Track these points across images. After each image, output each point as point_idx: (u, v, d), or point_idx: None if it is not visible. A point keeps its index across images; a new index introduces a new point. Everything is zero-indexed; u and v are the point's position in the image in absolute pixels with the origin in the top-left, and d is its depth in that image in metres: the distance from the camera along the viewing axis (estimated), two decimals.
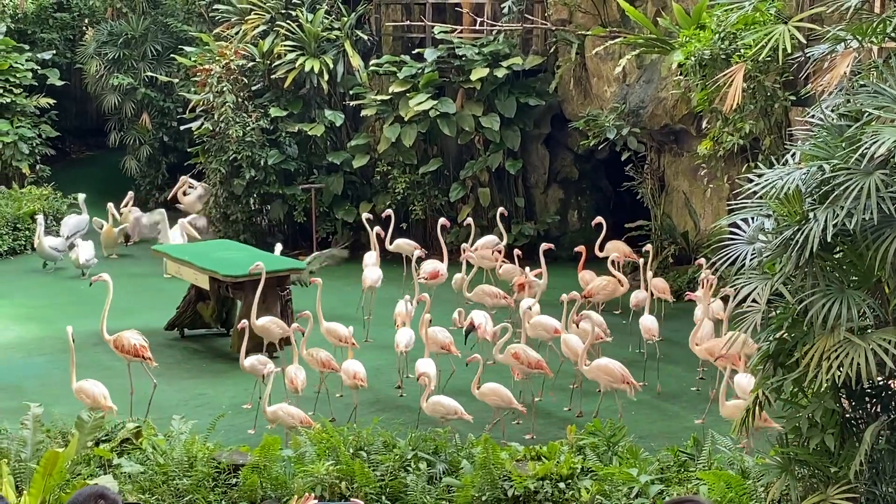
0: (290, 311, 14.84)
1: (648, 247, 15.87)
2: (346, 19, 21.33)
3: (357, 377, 12.34)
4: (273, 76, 21.12)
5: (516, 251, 16.84)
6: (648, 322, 13.95)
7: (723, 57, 14.95)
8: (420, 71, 20.26)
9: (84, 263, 18.79)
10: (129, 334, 13.06)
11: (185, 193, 22.12)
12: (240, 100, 20.77)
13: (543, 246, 15.84)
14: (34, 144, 24.22)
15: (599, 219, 17.15)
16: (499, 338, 12.91)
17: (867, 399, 7.20)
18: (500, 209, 18.56)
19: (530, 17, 20.35)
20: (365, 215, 18.84)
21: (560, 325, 13.56)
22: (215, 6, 22.76)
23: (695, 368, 13.75)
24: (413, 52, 21.02)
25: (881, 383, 7.10)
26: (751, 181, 7.26)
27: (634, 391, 12.23)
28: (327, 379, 12.84)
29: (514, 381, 12.82)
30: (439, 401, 11.67)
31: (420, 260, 16.39)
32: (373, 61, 21.04)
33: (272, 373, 11.84)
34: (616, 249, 16.72)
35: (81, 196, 21.23)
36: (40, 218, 19.81)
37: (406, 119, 20.04)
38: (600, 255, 16.66)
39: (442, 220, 17.75)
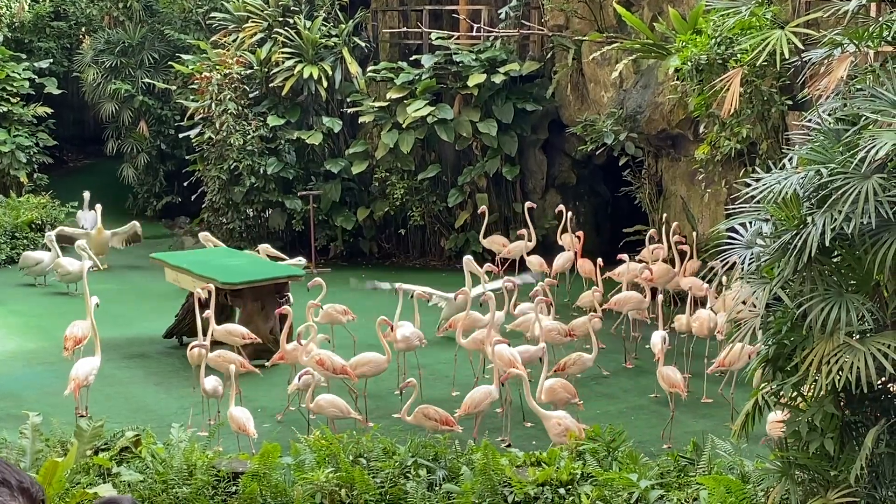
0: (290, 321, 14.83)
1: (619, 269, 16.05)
2: (343, 26, 21.34)
3: (241, 427, 11.43)
4: (271, 84, 21.12)
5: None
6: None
7: (719, 62, 14.95)
8: (417, 77, 20.27)
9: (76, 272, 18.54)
10: (72, 325, 13.72)
11: None
12: (240, 108, 20.78)
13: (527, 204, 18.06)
14: (32, 153, 24.23)
15: (560, 207, 18.25)
16: (303, 338, 12.92)
17: (867, 403, 7.19)
18: (675, 227, 16.99)
19: (527, 23, 20.36)
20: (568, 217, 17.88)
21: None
22: (212, 14, 22.78)
23: (694, 372, 13.73)
24: (410, 58, 21.03)
25: (881, 387, 7.10)
26: (748, 185, 7.26)
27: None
28: (335, 383, 12.84)
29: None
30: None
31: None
32: (370, 68, 21.06)
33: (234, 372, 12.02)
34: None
35: (87, 194, 21.18)
36: (51, 234, 19.53)
37: (404, 125, 20.05)
38: (561, 242, 17.82)
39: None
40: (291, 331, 13.52)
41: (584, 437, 10.57)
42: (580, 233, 17.86)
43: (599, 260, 16.08)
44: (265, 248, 18.31)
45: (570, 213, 18.13)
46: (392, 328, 13.32)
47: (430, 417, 11.40)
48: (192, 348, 12.68)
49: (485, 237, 18.92)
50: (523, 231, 17.77)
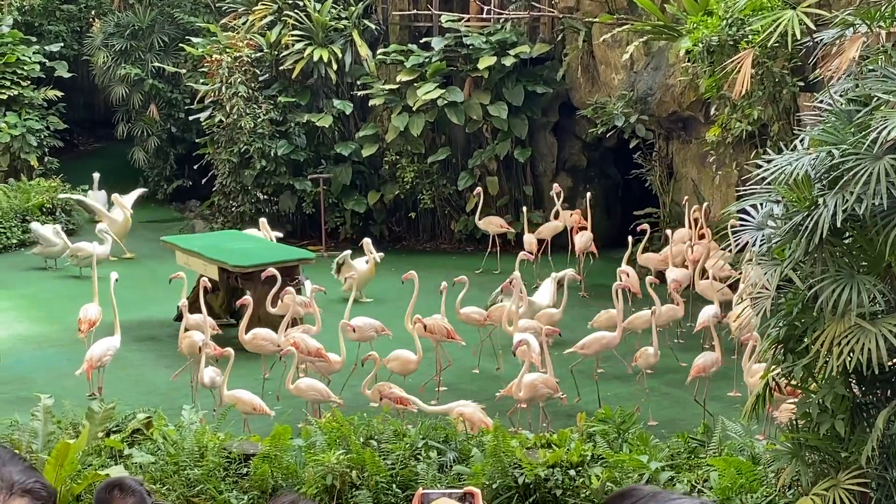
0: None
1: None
2: (353, 9, 21.32)
3: (256, 407, 11.65)
4: (281, 67, 21.12)
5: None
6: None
7: (731, 43, 14.90)
8: (427, 60, 20.25)
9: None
10: (85, 308, 13.93)
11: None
12: (250, 91, 20.79)
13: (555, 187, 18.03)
14: (42, 137, 24.25)
15: (558, 188, 18.59)
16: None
17: (878, 384, 7.18)
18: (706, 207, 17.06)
19: (537, 4, 20.32)
20: None
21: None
22: None
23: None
24: (420, 41, 21.01)
25: (892, 368, 7.09)
26: (760, 167, 7.25)
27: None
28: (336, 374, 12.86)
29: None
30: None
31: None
32: (380, 50, 21.03)
33: (230, 356, 12.06)
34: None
35: (97, 175, 21.22)
36: (59, 228, 19.66)
37: (414, 108, 20.04)
38: (559, 222, 18.32)
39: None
40: (250, 321, 13.48)
41: (489, 425, 10.55)
42: (577, 210, 18.20)
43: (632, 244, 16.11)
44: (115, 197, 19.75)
45: (588, 195, 18.40)
46: (425, 326, 13.31)
47: (383, 394, 11.58)
48: (200, 349, 12.53)
49: (480, 219, 19.02)
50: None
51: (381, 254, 17.59)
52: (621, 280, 14.20)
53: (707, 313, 13.35)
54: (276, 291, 14.04)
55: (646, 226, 16.77)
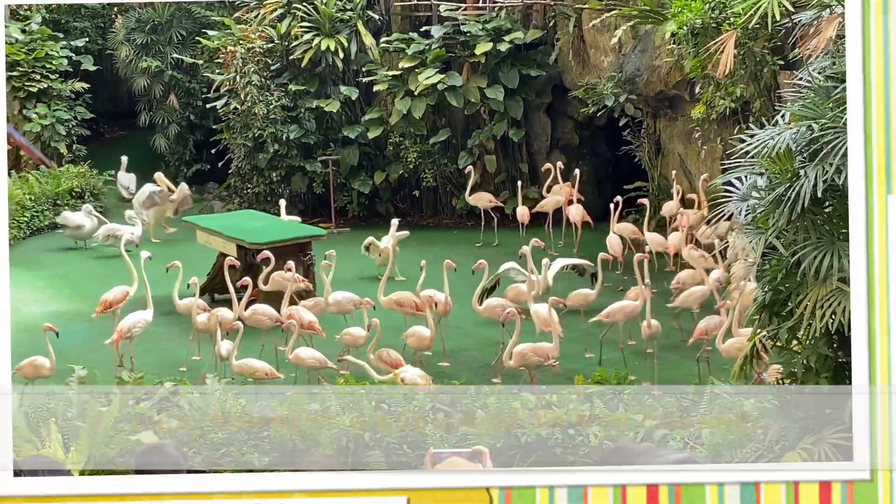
0: (313, 277, 14.83)
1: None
2: (357, 1, 21.22)
3: (268, 373, 11.89)
4: (291, 56, 21.03)
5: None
6: None
7: (714, 25, 14.81)
8: (428, 47, 20.19)
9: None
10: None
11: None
12: (263, 79, 20.73)
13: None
14: (70, 126, 24.12)
15: (548, 165, 18.45)
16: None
17: None
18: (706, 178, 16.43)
19: None
20: None
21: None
22: None
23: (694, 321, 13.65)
24: (421, 29, 20.91)
25: None
26: (743, 142, 7.19)
27: None
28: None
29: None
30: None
31: None
32: (383, 39, 20.96)
33: (240, 329, 12.14)
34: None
35: (125, 158, 21.22)
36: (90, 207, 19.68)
37: (416, 92, 19.98)
38: (549, 195, 18.20)
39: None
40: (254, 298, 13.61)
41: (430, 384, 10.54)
42: (568, 183, 18.09)
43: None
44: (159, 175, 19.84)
45: (577, 171, 18.25)
46: (436, 303, 13.25)
47: (381, 360, 11.67)
48: (221, 324, 12.59)
49: (470, 195, 19.01)
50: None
51: (406, 232, 17.59)
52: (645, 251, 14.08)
53: (711, 277, 13.25)
54: (274, 269, 14.10)
55: (619, 198, 16.67)
